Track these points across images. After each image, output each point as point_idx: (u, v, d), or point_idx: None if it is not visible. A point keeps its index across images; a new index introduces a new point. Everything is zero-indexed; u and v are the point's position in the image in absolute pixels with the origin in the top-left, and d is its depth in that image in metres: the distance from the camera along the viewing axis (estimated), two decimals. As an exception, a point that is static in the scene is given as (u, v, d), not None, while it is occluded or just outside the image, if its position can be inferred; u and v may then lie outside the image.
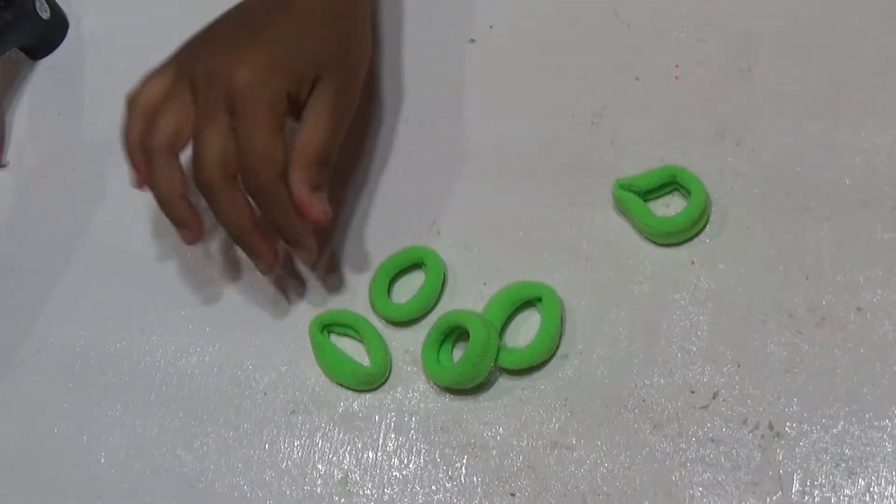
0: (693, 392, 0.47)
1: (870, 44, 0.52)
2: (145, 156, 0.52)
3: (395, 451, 0.51)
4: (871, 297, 0.46)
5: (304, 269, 0.58)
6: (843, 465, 0.43)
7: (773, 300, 0.48)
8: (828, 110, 0.51)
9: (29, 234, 0.66)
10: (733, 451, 0.45)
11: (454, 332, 0.52)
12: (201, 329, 0.58)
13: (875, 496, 0.43)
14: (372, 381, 0.52)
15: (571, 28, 0.59)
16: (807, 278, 0.48)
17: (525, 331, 0.52)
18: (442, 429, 0.51)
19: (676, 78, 0.55)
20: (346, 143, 0.53)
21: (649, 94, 0.55)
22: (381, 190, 0.59)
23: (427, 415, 0.51)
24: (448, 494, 0.49)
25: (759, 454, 0.45)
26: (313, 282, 0.57)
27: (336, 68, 0.52)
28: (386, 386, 0.53)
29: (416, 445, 0.51)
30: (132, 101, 0.53)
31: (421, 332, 0.53)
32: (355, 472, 0.51)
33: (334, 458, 0.52)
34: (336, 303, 0.56)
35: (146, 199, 0.63)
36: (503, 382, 0.51)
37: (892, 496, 0.42)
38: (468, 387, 0.50)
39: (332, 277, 0.57)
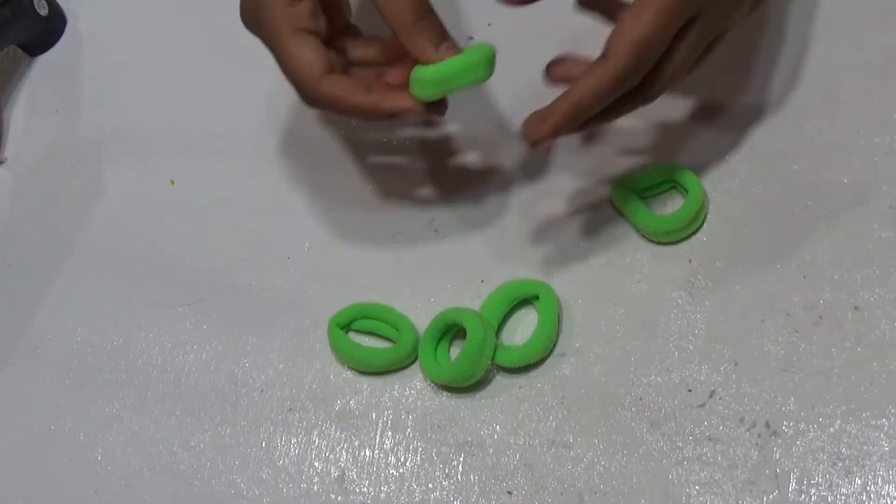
0: (690, 391, 0.47)
1: (869, 43, 0.52)
2: None
3: (391, 449, 0.51)
4: (868, 296, 0.46)
5: (304, 270, 0.58)
6: (840, 464, 0.43)
7: (770, 299, 0.48)
8: (826, 109, 0.51)
9: (26, 231, 0.66)
10: (730, 449, 0.45)
11: (451, 330, 0.52)
12: (198, 326, 0.58)
13: (872, 495, 0.43)
14: (410, 356, 0.52)
15: (569, 26, 0.59)
16: (804, 277, 0.48)
17: (522, 329, 0.52)
18: (439, 427, 0.51)
19: (675, 76, 0.55)
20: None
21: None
22: (380, 190, 0.59)
23: (424, 413, 0.51)
24: (445, 492, 0.49)
25: (756, 453, 0.45)
26: (313, 281, 0.57)
27: None
28: (383, 383, 0.53)
29: (413, 443, 0.51)
30: None
31: (419, 330, 0.53)
32: (352, 470, 0.51)
33: (331, 455, 0.52)
34: (336, 300, 0.55)
35: (144, 195, 0.64)
36: (500, 380, 0.51)
37: (888, 495, 0.42)
38: (465, 385, 0.50)
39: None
